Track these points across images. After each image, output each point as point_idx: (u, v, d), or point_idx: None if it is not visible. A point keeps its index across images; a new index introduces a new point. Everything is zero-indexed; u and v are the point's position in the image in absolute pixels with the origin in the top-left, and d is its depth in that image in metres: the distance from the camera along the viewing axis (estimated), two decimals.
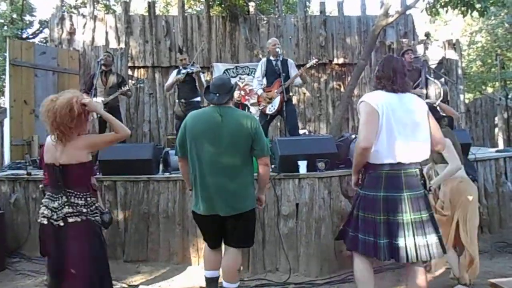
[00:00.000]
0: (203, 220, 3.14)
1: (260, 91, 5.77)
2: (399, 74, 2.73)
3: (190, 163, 3.11)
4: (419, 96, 4.85)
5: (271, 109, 5.69)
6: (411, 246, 2.56)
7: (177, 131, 6.75)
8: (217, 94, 3.07)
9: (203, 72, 7.05)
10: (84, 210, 2.66)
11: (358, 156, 2.73)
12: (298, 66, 6.52)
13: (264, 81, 5.88)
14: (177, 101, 6.75)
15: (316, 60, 6.00)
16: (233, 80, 9.42)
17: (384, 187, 2.64)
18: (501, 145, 8.68)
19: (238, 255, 3.20)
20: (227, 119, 3.02)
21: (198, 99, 6.70)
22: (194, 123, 3.08)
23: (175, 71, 6.95)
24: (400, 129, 2.63)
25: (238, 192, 3.02)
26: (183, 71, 6.61)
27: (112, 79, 6.50)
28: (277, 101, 5.64)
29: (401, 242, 2.57)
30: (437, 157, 3.46)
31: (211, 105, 3.15)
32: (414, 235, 2.57)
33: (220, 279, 3.23)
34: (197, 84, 6.58)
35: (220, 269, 3.21)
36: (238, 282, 3.24)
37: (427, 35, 7.04)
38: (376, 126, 2.62)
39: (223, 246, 3.30)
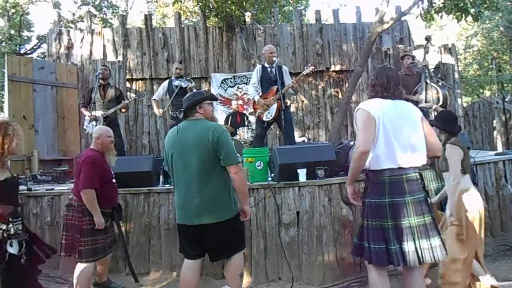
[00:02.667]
0: (182, 229, 3.20)
1: (257, 97, 5.74)
2: (393, 82, 2.81)
3: (172, 178, 3.27)
4: (415, 102, 4.86)
5: (268, 116, 5.68)
6: (417, 249, 2.59)
7: None
8: (182, 108, 3.24)
9: (197, 88, 7.16)
10: None
11: (355, 162, 2.74)
12: (296, 74, 6.55)
13: (259, 87, 5.86)
14: (170, 113, 6.77)
15: (312, 67, 6.01)
16: (230, 90, 9.53)
17: (388, 192, 2.67)
18: (500, 148, 8.69)
19: (237, 260, 3.20)
20: (186, 132, 3.14)
21: None
22: (168, 139, 3.28)
23: (166, 82, 6.93)
24: (397, 134, 2.68)
25: (211, 202, 3.05)
26: (176, 82, 6.64)
27: (110, 92, 6.53)
28: (274, 108, 5.64)
29: (407, 246, 2.60)
30: (441, 164, 3.46)
31: (184, 121, 3.26)
32: (418, 239, 2.61)
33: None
34: None
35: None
36: (240, 287, 3.26)
37: (428, 38, 7.04)
38: (373, 131, 2.67)
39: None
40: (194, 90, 6.73)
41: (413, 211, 2.64)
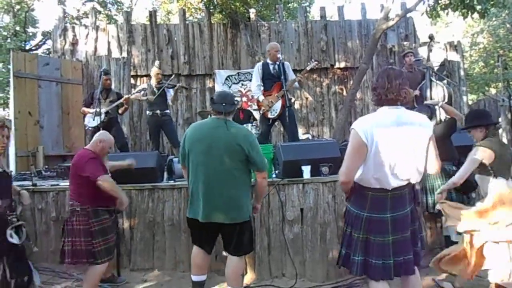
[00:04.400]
0: (196, 226, 3.25)
1: (261, 97, 5.69)
2: (395, 82, 2.52)
3: (189, 171, 3.25)
4: (433, 105, 4.80)
5: (273, 113, 5.63)
6: (389, 266, 2.53)
7: (152, 141, 6.87)
8: (223, 104, 3.20)
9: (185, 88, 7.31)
10: None
11: (341, 185, 2.73)
12: (300, 71, 6.51)
13: (262, 85, 5.79)
14: (149, 112, 6.80)
15: (316, 62, 5.99)
16: (235, 87, 9.55)
17: (368, 207, 2.57)
18: None
19: (240, 261, 3.29)
20: (218, 129, 3.16)
21: (168, 111, 6.95)
22: (194, 133, 3.24)
23: (144, 85, 7.02)
24: (391, 156, 2.47)
25: (232, 202, 3.12)
26: (157, 85, 6.72)
27: (113, 95, 6.55)
28: (278, 104, 5.60)
29: (377, 261, 2.52)
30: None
31: (213, 117, 3.30)
32: (393, 255, 2.53)
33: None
34: (169, 98, 6.86)
35: (206, 274, 3.44)
36: (242, 287, 3.33)
37: (431, 37, 7.02)
38: (360, 161, 2.51)
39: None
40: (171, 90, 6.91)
41: (392, 228, 2.54)
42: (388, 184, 2.52)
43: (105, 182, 3.49)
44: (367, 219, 2.57)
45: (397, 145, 2.47)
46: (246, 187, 3.24)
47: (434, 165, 2.64)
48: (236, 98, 3.40)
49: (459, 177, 3.37)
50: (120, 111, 6.66)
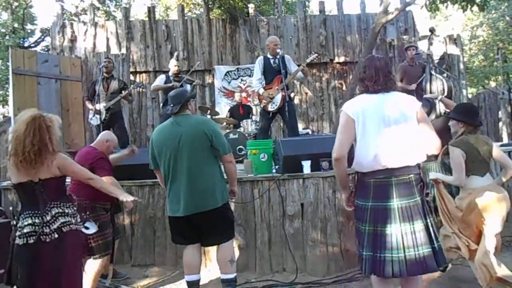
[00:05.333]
0: (178, 222, 3.32)
1: (261, 90, 5.68)
2: (383, 72, 2.60)
3: (162, 173, 3.37)
4: (411, 92, 4.75)
5: (273, 106, 5.61)
6: (400, 259, 2.39)
7: None
8: (171, 105, 3.38)
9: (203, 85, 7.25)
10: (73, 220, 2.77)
11: (335, 169, 2.71)
12: (299, 66, 6.50)
13: (263, 79, 5.77)
14: (162, 108, 6.76)
15: (316, 55, 5.98)
16: (234, 83, 9.52)
17: (372, 196, 2.52)
18: (505, 139, 8.64)
19: (229, 247, 3.37)
20: (183, 126, 3.30)
21: None
22: (158, 136, 3.40)
23: (164, 77, 6.91)
24: (382, 133, 2.49)
25: (206, 191, 3.23)
26: (175, 78, 6.66)
27: (114, 84, 6.53)
28: (279, 98, 5.58)
29: (386, 255, 2.41)
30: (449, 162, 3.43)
31: (171, 118, 3.44)
32: (404, 248, 2.40)
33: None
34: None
35: (200, 273, 3.46)
36: (235, 273, 3.37)
37: (432, 30, 7.01)
38: (350, 136, 2.56)
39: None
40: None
41: (400, 217, 2.43)
42: (386, 161, 2.47)
43: (108, 180, 3.54)
44: (372, 209, 2.50)
45: (386, 121, 2.52)
46: (219, 173, 3.39)
47: (432, 144, 2.58)
48: (187, 94, 3.48)
49: (456, 183, 3.37)
50: (126, 101, 6.65)
